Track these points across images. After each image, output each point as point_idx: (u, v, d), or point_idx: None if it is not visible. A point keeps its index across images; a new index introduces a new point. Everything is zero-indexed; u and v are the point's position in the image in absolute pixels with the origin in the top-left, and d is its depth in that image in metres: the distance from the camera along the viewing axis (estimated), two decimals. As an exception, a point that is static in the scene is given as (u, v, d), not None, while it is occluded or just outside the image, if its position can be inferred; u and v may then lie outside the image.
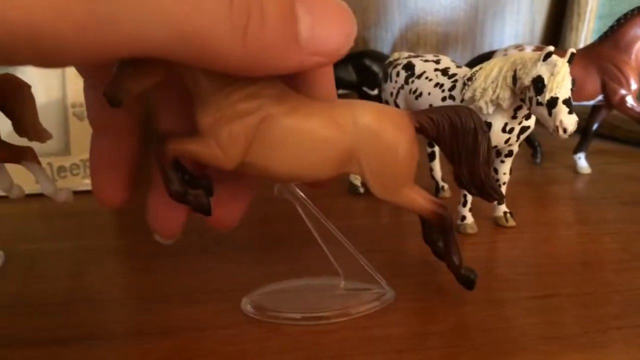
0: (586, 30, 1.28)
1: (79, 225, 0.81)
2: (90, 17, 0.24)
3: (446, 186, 0.90)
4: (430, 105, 0.76)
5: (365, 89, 1.15)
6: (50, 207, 0.74)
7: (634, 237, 0.74)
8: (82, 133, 0.92)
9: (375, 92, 1.14)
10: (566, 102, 0.60)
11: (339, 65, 1.14)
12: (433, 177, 0.90)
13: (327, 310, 0.54)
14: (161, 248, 0.71)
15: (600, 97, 0.97)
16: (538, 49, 0.98)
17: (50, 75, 0.92)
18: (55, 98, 0.92)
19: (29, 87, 0.69)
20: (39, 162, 0.71)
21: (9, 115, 0.68)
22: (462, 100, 0.71)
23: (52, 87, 0.92)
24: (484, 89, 0.67)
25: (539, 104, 0.61)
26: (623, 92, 0.94)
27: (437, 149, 0.89)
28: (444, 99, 0.74)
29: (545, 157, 1.09)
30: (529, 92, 0.62)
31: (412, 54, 0.85)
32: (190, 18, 0.26)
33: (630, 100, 0.95)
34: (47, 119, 0.87)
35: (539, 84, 0.60)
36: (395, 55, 0.87)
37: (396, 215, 0.83)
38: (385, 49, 1.30)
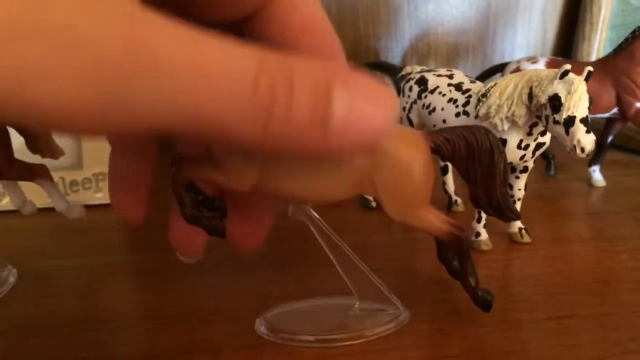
0: (599, 40, 1.27)
1: (91, 241, 0.81)
2: (101, 99, 0.22)
3: (459, 200, 0.89)
4: (444, 121, 0.76)
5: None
6: (62, 222, 0.74)
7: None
8: (94, 147, 0.92)
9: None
10: (583, 120, 0.59)
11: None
12: (446, 191, 0.90)
13: (342, 332, 0.53)
14: (173, 265, 0.71)
15: (615, 110, 0.96)
16: (552, 61, 0.98)
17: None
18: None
19: None
20: (52, 180, 0.71)
21: (21, 132, 0.69)
22: (477, 117, 0.71)
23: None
24: (499, 106, 0.67)
25: (556, 122, 0.60)
26: (638, 104, 0.93)
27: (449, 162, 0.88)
28: (457, 114, 0.74)
29: (559, 169, 1.08)
30: (545, 110, 0.62)
31: (424, 68, 0.85)
32: (207, 102, 0.24)
33: (645, 113, 0.94)
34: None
35: (555, 102, 0.60)
36: (408, 69, 0.86)
37: (409, 231, 0.82)
38: (395, 59, 1.29)
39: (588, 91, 0.62)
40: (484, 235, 0.75)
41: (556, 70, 0.61)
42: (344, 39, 1.24)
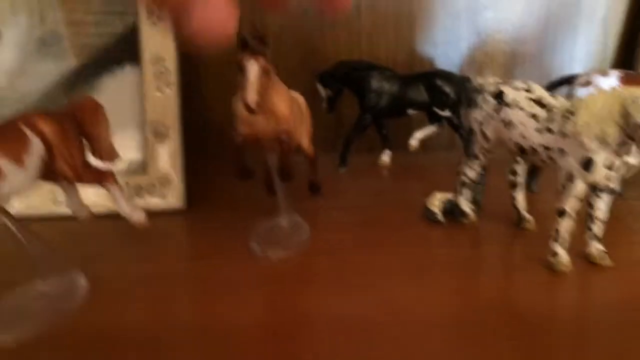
0: (663, 51, 1.24)
1: (155, 248, 0.81)
2: None
3: (530, 217, 0.87)
4: (523, 136, 0.74)
5: (435, 109, 1.13)
6: (123, 226, 0.74)
7: None
8: (159, 152, 0.92)
9: (447, 112, 1.12)
10: (687, 144, 0.57)
11: (410, 85, 1.12)
12: (515, 207, 0.87)
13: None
14: (237, 274, 0.71)
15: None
16: (626, 75, 0.95)
17: (129, 93, 0.92)
18: (133, 116, 0.93)
19: (102, 107, 0.70)
20: (119, 184, 0.72)
21: (85, 136, 0.69)
22: (562, 133, 0.69)
23: (131, 105, 0.93)
24: (588, 124, 0.65)
25: (656, 145, 0.58)
26: None
27: (520, 179, 0.86)
28: (539, 130, 0.72)
29: (628, 187, 1.04)
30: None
31: (498, 79, 0.83)
32: None
33: None
34: (124, 137, 0.89)
35: (656, 124, 0.58)
36: (481, 80, 0.84)
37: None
38: (452, 67, 1.27)
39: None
40: (563, 255, 0.73)
41: (656, 90, 0.59)
42: (399, 45, 1.22)
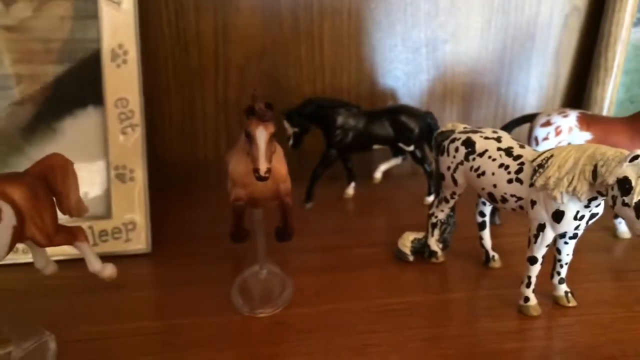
0: (613, 84, 1.29)
1: (127, 302, 0.78)
2: None
3: (496, 256, 0.89)
4: (495, 186, 0.76)
5: (401, 144, 1.14)
6: (91, 277, 0.72)
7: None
8: (124, 196, 0.90)
9: (411, 148, 1.14)
10: (654, 205, 0.59)
11: (375, 120, 1.13)
12: (483, 246, 0.89)
13: None
14: (223, 333, 0.70)
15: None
16: (582, 115, 0.98)
17: (92, 137, 0.89)
18: (96, 160, 0.90)
19: (72, 164, 0.68)
20: (88, 242, 0.71)
21: (55, 195, 0.67)
22: (531, 185, 0.71)
23: (94, 149, 0.90)
24: (559, 179, 0.67)
25: (625, 204, 0.61)
26: (670, 164, 0.94)
27: (487, 218, 0.88)
28: (510, 180, 0.74)
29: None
30: (612, 190, 0.62)
31: (467, 126, 0.85)
32: None
33: (677, 173, 0.95)
34: (87, 182, 0.86)
35: (625, 185, 0.60)
36: (449, 126, 0.86)
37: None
38: (413, 99, 1.30)
39: (618, 147, 0.65)
40: (533, 300, 0.75)
41: (624, 151, 0.62)
42: (361, 78, 1.24)
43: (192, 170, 1.25)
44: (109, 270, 0.71)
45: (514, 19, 1.32)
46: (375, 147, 1.15)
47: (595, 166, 0.64)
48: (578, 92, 1.38)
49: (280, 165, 0.72)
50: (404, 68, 1.29)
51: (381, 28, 1.25)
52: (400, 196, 1.23)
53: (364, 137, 1.12)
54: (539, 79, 1.38)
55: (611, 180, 0.61)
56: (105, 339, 0.69)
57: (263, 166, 0.64)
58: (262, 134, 0.65)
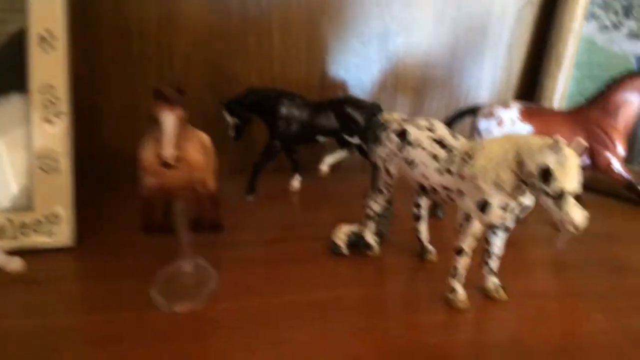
0: (564, 78, 1.29)
1: (42, 297, 0.74)
2: None
3: (432, 249, 0.87)
4: (424, 176, 0.74)
5: (345, 136, 1.12)
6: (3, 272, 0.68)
7: (627, 313, 0.73)
8: (47, 187, 0.85)
9: (356, 139, 1.11)
10: (574, 194, 0.58)
11: (320, 111, 1.10)
12: (419, 239, 0.88)
13: None
14: (143, 330, 0.67)
15: (586, 160, 0.96)
16: (526, 108, 0.97)
17: (14, 125, 0.85)
18: (19, 149, 0.85)
19: None
20: None
21: None
22: (460, 175, 0.69)
23: (16, 138, 0.85)
24: (485, 168, 0.65)
25: (546, 193, 0.59)
26: (610, 156, 0.94)
27: (423, 210, 0.86)
28: (439, 171, 0.72)
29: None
30: (535, 179, 0.60)
31: (403, 116, 0.83)
32: None
33: (617, 165, 0.94)
34: (9, 172, 0.82)
35: (545, 173, 0.58)
36: (386, 116, 0.84)
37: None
38: (364, 91, 1.27)
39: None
40: (460, 291, 0.73)
41: (546, 138, 0.60)
42: (311, 69, 1.21)
43: (132, 161, 1.21)
44: (14, 264, 0.67)
45: (468, 12, 1.30)
46: (320, 138, 1.12)
47: (519, 155, 0.62)
48: (531, 85, 1.37)
49: (196, 154, 0.69)
50: (354, 59, 1.27)
51: (332, 19, 1.22)
52: (347, 190, 1.20)
53: (308, 128, 1.10)
54: (491, 72, 1.37)
55: (533, 168, 0.60)
56: (9, 335, 0.66)
57: (167, 151, 0.61)
58: (169, 118, 0.62)
